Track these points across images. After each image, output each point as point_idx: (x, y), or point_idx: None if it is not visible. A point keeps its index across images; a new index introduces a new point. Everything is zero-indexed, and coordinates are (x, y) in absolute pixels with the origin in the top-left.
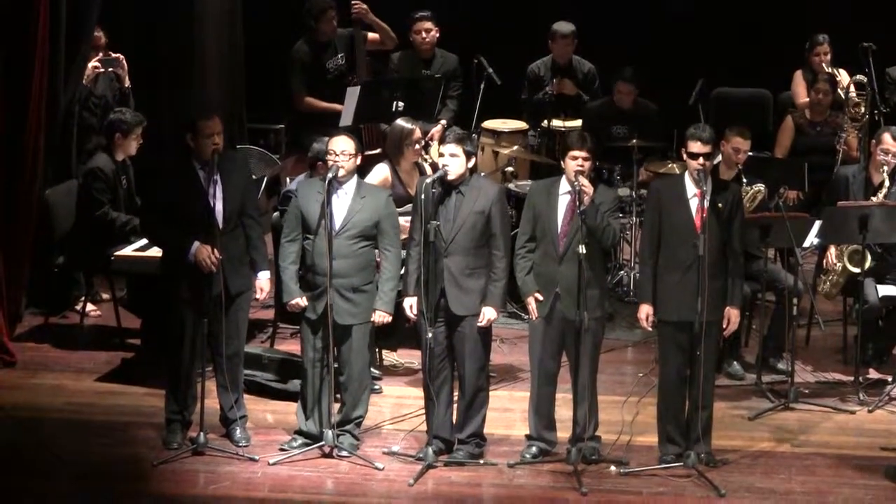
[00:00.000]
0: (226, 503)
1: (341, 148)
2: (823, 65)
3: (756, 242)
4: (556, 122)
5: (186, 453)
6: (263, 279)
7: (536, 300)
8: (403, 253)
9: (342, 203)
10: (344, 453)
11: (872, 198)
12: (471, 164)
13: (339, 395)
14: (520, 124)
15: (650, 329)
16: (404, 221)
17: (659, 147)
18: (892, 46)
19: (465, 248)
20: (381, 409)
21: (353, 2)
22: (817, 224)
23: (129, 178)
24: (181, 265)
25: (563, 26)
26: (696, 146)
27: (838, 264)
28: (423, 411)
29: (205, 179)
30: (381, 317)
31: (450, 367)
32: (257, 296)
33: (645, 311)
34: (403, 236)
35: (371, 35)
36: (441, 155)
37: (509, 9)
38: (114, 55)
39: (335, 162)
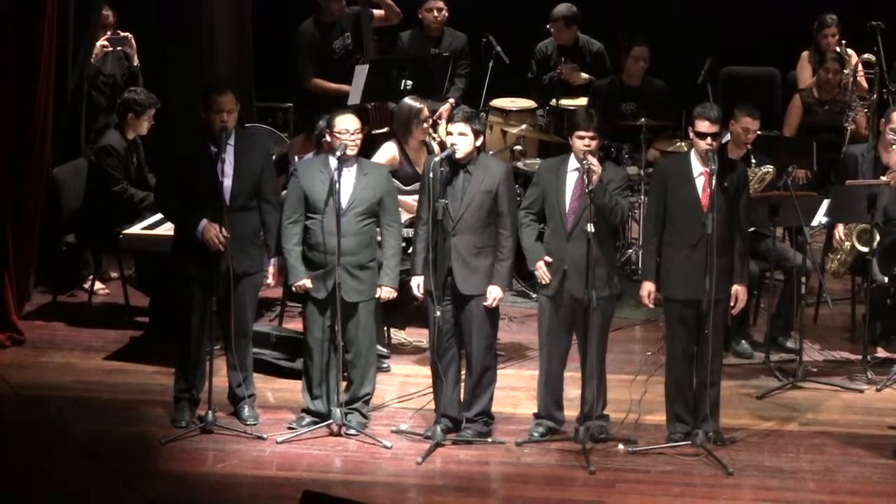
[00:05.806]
0: (234, 481)
1: (352, 126)
2: (832, 46)
3: (765, 221)
4: (565, 101)
5: (195, 431)
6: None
7: (547, 264)
8: (405, 231)
9: (347, 181)
10: (352, 432)
11: (882, 177)
12: (479, 143)
13: (345, 374)
14: (528, 103)
15: (651, 307)
16: (412, 200)
17: (668, 126)
18: None
19: (473, 228)
20: (388, 387)
21: None
22: (825, 203)
23: (139, 156)
24: (191, 243)
25: (557, 10)
26: (703, 125)
27: (846, 243)
28: (431, 390)
29: (215, 155)
30: (388, 292)
31: (457, 346)
32: (268, 281)
33: (647, 288)
34: (411, 215)
35: (376, 12)
36: (449, 133)
37: None
38: (122, 34)
39: (345, 140)
